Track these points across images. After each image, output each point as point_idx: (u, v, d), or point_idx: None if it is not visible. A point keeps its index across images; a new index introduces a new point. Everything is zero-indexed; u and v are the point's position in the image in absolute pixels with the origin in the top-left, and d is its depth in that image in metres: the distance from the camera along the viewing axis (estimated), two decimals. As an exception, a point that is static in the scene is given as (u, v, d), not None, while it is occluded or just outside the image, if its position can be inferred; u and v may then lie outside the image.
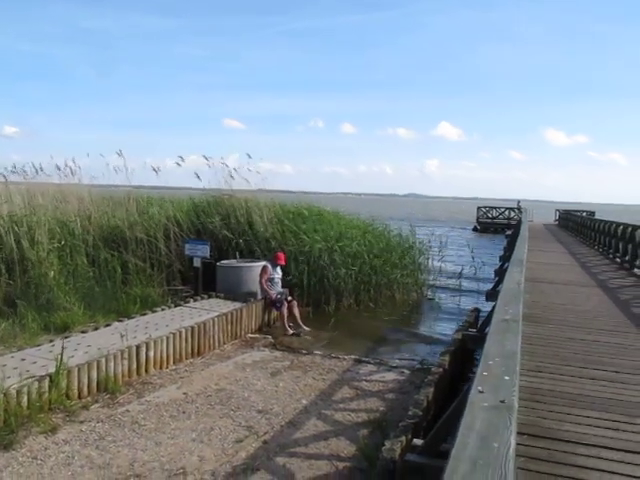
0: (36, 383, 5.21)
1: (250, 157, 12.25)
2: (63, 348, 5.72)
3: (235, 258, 10.73)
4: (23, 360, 5.90)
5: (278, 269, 9.62)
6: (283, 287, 9.65)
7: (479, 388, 1.96)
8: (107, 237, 10.77)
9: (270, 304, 9.25)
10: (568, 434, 3.20)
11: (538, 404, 3.65)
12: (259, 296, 9.39)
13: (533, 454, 2.90)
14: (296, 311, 9.22)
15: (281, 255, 9.73)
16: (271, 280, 9.38)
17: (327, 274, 10.60)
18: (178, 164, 12.20)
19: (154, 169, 12.19)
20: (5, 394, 4.89)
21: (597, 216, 26.51)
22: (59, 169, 11.71)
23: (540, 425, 3.28)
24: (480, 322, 8.14)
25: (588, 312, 6.77)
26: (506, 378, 2.10)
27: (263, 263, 9.61)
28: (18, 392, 5.01)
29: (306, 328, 9.07)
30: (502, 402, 1.83)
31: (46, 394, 5.26)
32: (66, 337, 6.86)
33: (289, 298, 9.36)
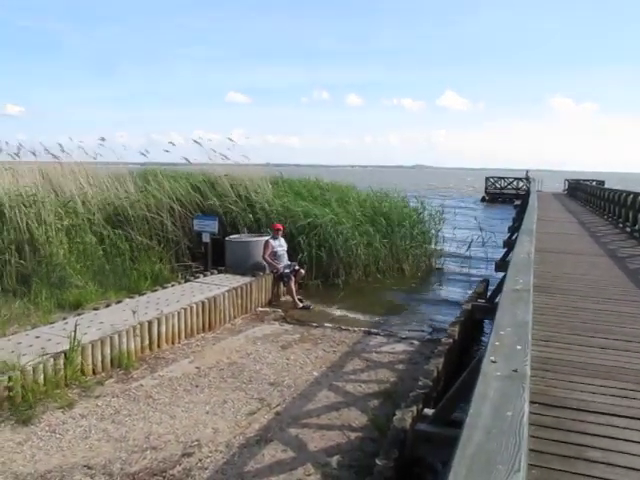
0: (51, 360, 5.29)
1: (260, 132, 12.24)
2: (76, 325, 5.79)
3: (243, 233, 10.75)
4: (38, 338, 5.99)
5: (282, 241, 9.65)
6: (291, 260, 9.69)
7: (491, 358, 1.98)
8: (109, 216, 10.79)
9: (278, 278, 9.29)
10: (577, 402, 3.22)
11: (548, 373, 3.67)
12: (268, 270, 9.43)
13: (543, 422, 2.93)
14: (298, 277, 9.35)
15: (278, 225, 9.77)
16: (275, 254, 9.41)
17: (336, 246, 10.61)
18: (172, 144, 12.30)
19: (142, 153, 12.20)
20: (22, 371, 4.97)
21: (607, 185, 26.27)
22: (65, 150, 11.72)
23: (549, 394, 3.31)
24: (489, 293, 8.16)
25: (597, 281, 6.75)
26: (518, 347, 2.11)
27: (268, 237, 9.64)
28: (34, 369, 5.09)
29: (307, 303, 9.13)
30: (515, 371, 1.84)
31: (61, 371, 5.35)
32: (79, 314, 6.94)
33: (297, 268, 9.41)
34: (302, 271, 9.44)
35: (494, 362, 1.95)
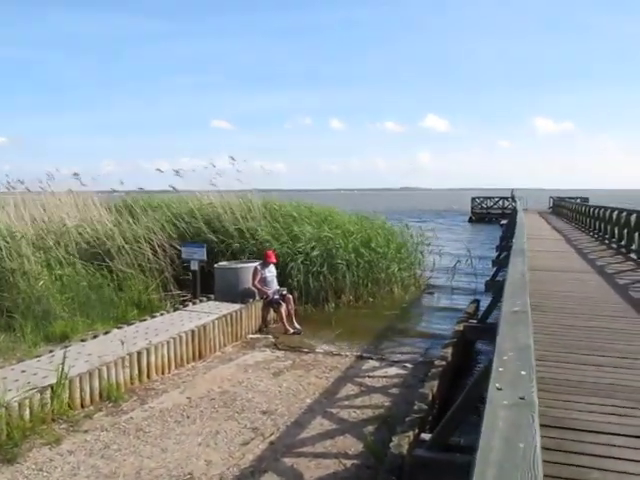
0: (38, 395, 5.16)
1: (233, 160, 12.26)
2: (64, 358, 5.67)
3: (227, 260, 10.68)
4: (23, 372, 5.84)
5: (271, 267, 9.57)
6: (280, 286, 9.62)
7: (497, 385, 1.93)
8: (88, 248, 10.69)
9: (268, 304, 9.21)
10: (576, 422, 3.19)
11: (544, 393, 3.62)
12: (257, 297, 9.35)
13: (543, 444, 2.86)
14: (291, 307, 9.19)
15: (270, 253, 9.67)
16: (264, 280, 9.34)
17: (324, 272, 10.56)
18: (160, 171, 12.29)
19: (120, 184, 12.18)
20: (7, 407, 4.84)
21: (591, 202, 26.55)
22: (48, 180, 11.68)
23: (548, 414, 3.26)
24: (480, 313, 8.15)
25: (588, 298, 6.76)
26: (523, 373, 2.07)
27: (258, 264, 9.57)
28: (20, 404, 4.96)
29: (297, 326, 9.05)
30: (522, 399, 1.80)
31: (48, 405, 5.22)
32: (66, 347, 6.80)
33: (284, 292, 9.34)
34: (290, 296, 9.35)
35: (500, 389, 1.90)
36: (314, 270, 10.54)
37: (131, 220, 11.59)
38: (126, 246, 10.71)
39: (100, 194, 13.37)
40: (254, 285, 9.27)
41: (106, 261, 10.28)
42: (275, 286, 9.46)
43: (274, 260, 9.61)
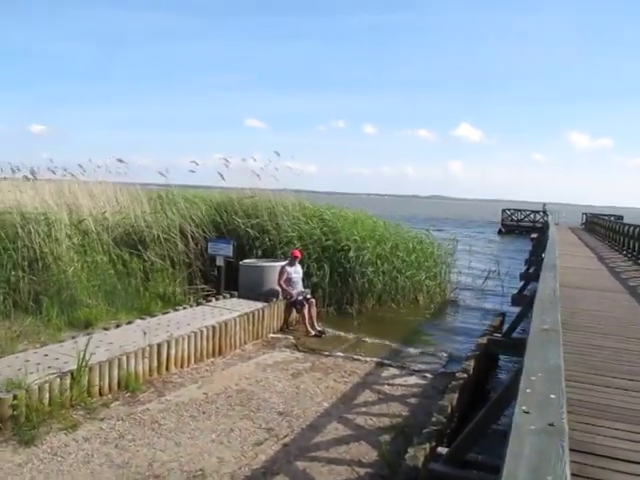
0: (58, 379, 5.22)
1: (278, 155, 12.16)
2: (86, 345, 5.71)
3: (258, 257, 10.67)
4: (46, 356, 5.92)
5: (298, 267, 9.55)
6: (306, 287, 9.59)
7: (524, 408, 1.83)
8: (124, 235, 10.79)
9: (291, 305, 9.18)
10: (601, 448, 3.06)
11: (568, 415, 3.48)
12: (281, 296, 9.33)
13: (565, 468, 2.77)
14: (313, 311, 9.14)
15: (296, 251, 9.68)
16: (289, 280, 9.31)
17: (353, 274, 10.49)
18: (195, 164, 12.29)
19: (161, 174, 12.22)
20: (27, 390, 4.90)
21: (625, 220, 25.95)
22: (84, 169, 11.83)
23: (571, 437, 3.12)
24: (505, 327, 7.98)
25: (619, 319, 6.55)
26: (552, 396, 1.96)
27: (284, 263, 9.54)
28: (40, 388, 5.02)
29: (318, 328, 9.00)
30: (551, 425, 1.70)
31: (67, 391, 5.27)
32: (88, 334, 6.86)
33: (308, 296, 9.29)
34: (313, 300, 9.30)
35: (527, 413, 1.80)
36: (342, 271, 10.46)
37: (171, 210, 11.66)
38: (161, 235, 10.79)
39: (135, 186, 13.52)
40: (279, 284, 9.25)
41: (139, 249, 10.38)
42: (300, 287, 9.43)
43: (299, 255, 9.60)
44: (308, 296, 9.31)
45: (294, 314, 9.35)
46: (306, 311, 8.95)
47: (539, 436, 1.63)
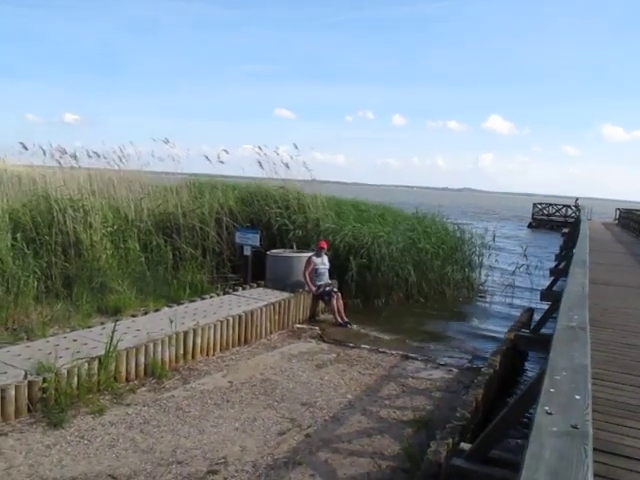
0: (86, 364, 5.32)
1: (296, 148, 12.18)
2: (114, 331, 5.80)
3: (291, 248, 10.69)
4: (75, 341, 6.03)
5: (324, 259, 9.54)
6: (332, 279, 9.58)
7: (546, 408, 1.77)
8: (159, 223, 10.92)
9: (318, 296, 9.19)
10: (629, 449, 2.99)
11: (595, 414, 3.40)
12: (306, 288, 9.34)
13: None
14: (340, 303, 9.11)
15: (322, 242, 9.67)
16: (316, 271, 9.31)
17: (381, 268, 10.45)
18: (225, 152, 12.33)
19: (207, 158, 12.26)
20: (56, 373, 5.00)
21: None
22: (119, 157, 11.96)
23: (599, 437, 3.06)
24: (534, 323, 7.86)
25: (651, 317, 6.39)
26: (577, 397, 1.90)
27: (312, 254, 9.54)
28: (69, 372, 5.12)
29: (345, 319, 8.99)
30: (575, 428, 1.64)
31: (95, 376, 5.37)
32: (117, 320, 6.97)
33: (335, 289, 9.26)
34: (339, 294, 9.24)
35: (549, 414, 1.74)
36: (371, 265, 10.43)
37: (209, 197, 11.76)
38: (196, 224, 10.89)
39: (165, 175, 13.65)
40: (304, 275, 9.25)
41: (173, 237, 10.50)
42: (326, 279, 9.42)
43: (325, 246, 9.59)
44: (335, 289, 9.29)
45: (321, 305, 9.36)
46: (334, 302, 8.94)
47: (561, 439, 1.57)
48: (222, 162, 12.17)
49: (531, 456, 1.45)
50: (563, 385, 2.03)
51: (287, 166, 12.04)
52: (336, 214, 11.62)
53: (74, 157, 11.33)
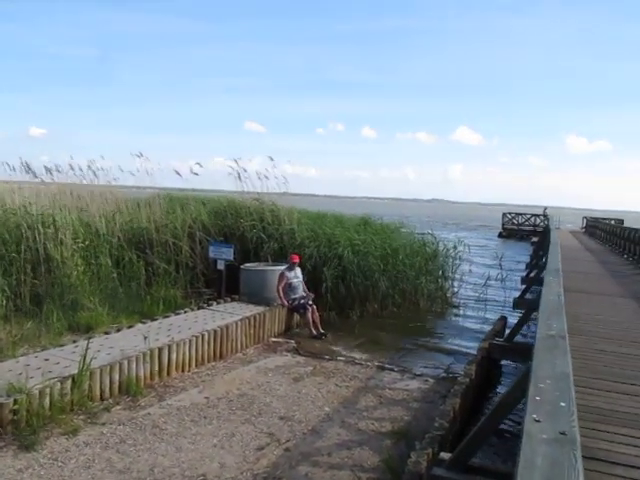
0: (59, 384, 5.20)
1: (272, 159, 12.19)
2: (86, 349, 5.69)
3: (266, 261, 10.65)
4: (46, 360, 5.90)
5: (298, 272, 9.51)
6: (309, 291, 9.58)
7: (534, 416, 1.81)
8: (132, 238, 10.79)
9: (293, 309, 9.17)
10: (604, 453, 3.04)
11: (572, 420, 3.48)
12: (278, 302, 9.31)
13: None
14: (315, 316, 9.10)
15: (294, 256, 9.61)
16: (290, 285, 9.28)
17: (355, 279, 10.48)
18: (199, 165, 12.19)
19: (177, 172, 12.17)
20: (28, 394, 4.88)
21: (626, 224, 25.93)
22: (82, 170, 11.79)
23: (575, 443, 3.12)
24: (507, 331, 7.96)
25: (620, 323, 6.53)
26: (562, 404, 1.94)
27: (284, 267, 9.53)
28: (41, 392, 5.00)
29: (321, 331, 8.99)
30: (563, 434, 1.68)
31: (68, 395, 5.26)
32: (89, 338, 6.84)
33: (310, 302, 9.24)
34: (314, 307, 9.22)
35: (538, 421, 1.78)
36: (345, 276, 10.45)
37: (181, 213, 11.66)
38: (169, 239, 10.80)
39: (136, 189, 13.52)
40: (277, 290, 9.22)
41: (146, 252, 10.39)
42: (301, 292, 9.40)
43: (297, 260, 9.53)
44: (310, 302, 9.26)
45: (296, 318, 9.34)
46: (309, 315, 8.93)
47: (551, 446, 1.61)
48: (196, 174, 12.06)
49: (524, 462, 1.49)
50: (548, 393, 2.07)
51: (266, 177, 12.01)
52: (313, 223, 11.62)
53: (46, 172, 11.16)
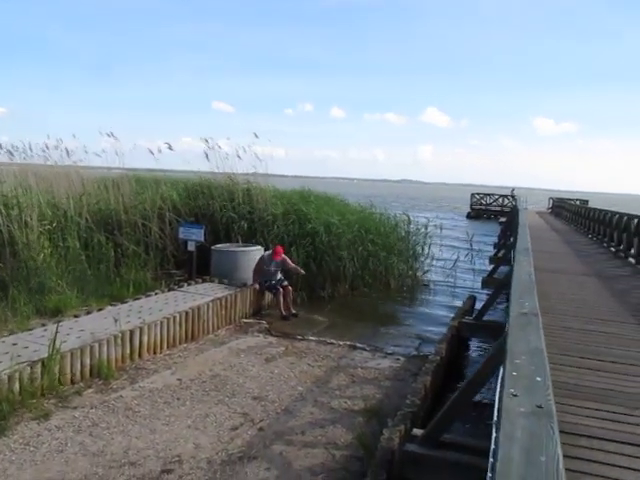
0: (28, 368, 5.13)
1: (257, 137, 12.00)
2: (56, 332, 5.62)
3: (237, 242, 10.59)
4: (15, 345, 5.80)
5: (278, 263, 9.24)
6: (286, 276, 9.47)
7: (511, 391, 1.87)
8: (100, 220, 10.61)
9: (266, 289, 9.16)
10: (569, 426, 3.14)
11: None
12: (251, 282, 9.29)
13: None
14: (288, 297, 9.09)
15: (278, 249, 9.35)
16: (268, 271, 9.15)
17: (326, 258, 10.52)
18: (169, 148, 11.97)
19: (151, 151, 11.95)
20: (-4, 379, 4.80)
21: (590, 205, 26.52)
22: (48, 149, 11.49)
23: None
24: (476, 310, 8.12)
25: (584, 301, 6.71)
26: (538, 379, 2.01)
27: (259, 247, 9.47)
28: (10, 377, 4.93)
29: (293, 311, 9.02)
30: (539, 407, 1.74)
31: (38, 379, 5.19)
32: (58, 321, 6.74)
33: (285, 283, 9.24)
34: (290, 288, 9.17)
35: (515, 396, 1.84)
36: (317, 256, 10.47)
37: (151, 193, 11.50)
38: (138, 221, 10.65)
39: (103, 170, 13.25)
40: (254, 270, 9.18)
41: (114, 234, 10.23)
42: (278, 277, 9.26)
43: (278, 258, 9.21)
44: (285, 283, 9.21)
45: (267, 299, 9.34)
46: (280, 296, 8.93)
47: (529, 418, 1.67)
48: (171, 149, 11.84)
49: (504, 436, 1.54)
50: (524, 368, 2.13)
51: (239, 157, 11.88)
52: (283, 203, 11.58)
53: (6, 152, 10.84)
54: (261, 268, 9.19)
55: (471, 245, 15.09)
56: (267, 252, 9.45)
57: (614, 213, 13.64)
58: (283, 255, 9.35)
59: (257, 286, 9.12)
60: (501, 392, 1.92)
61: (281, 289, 9.00)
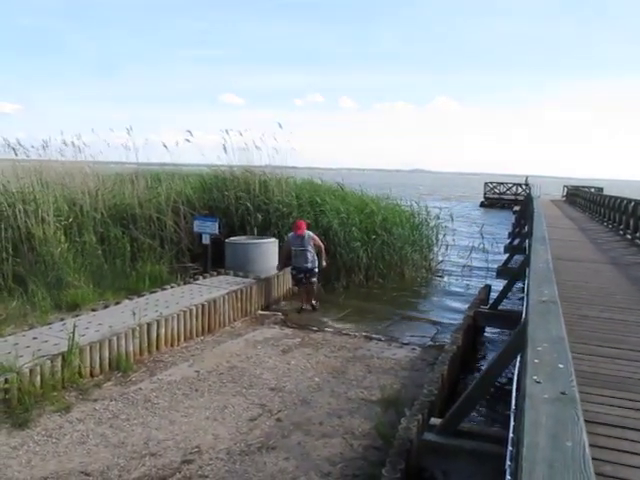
0: (49, 362, 5.21)
1: (281, 127, 11.81)
2: (75, 326, 5.69)
3: (252, 234, 10.62)
4: (35, 339, 5.89)
5: (303, 240, 8.77)
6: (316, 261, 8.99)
7: (535, 378, 1.87)
8: (116, 214, 10.69)
9: (293, 278, 9.11)
10: (588, 414, 3.12)
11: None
12: (273, 271, 9.32)
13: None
14: (311, 293, 9.00)
15: (300, 223, 8.91)
16: (294, 252, 8.79)
17: (341, 250, 10.53)
18: (187, 140, 11.93)
19: (164, 145, 11.97)
20: (18, 373, 4.88)
21: (605, 192, 26.24)
22: (65, 145, 11.54)
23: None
24: (491, 299, 8.09)
25: (601, 289, 6.66)
26: (560, 366, 2.01)
27: (273, 240, 9.47)
28: (31, 371, 5.01)
29: (313, 302, 9.01)
30: (563, 394, 1.74)
31: (59, 373, 5.27)
32: (77, 315, 6.84)
33: (313, 280, 8.91)
34: (314, 282, 8.95)
35: (539, 382, 1.84)
36: (332, 247, 10.48)
37: (165, 187, 11.55)
38: (153, 215, 10.72)
39: (115, 165, 13.32)
40: (279, 255, 9.19)
41: (130, 228, 10.32)
42: (306, 263, 8.80)
43: (300, 232, 8.74)
44: (313, 279, 8.92)
45: (283, 290, 9.37)
46: (303, 289, 8.94)
47: (553, 405, 1.68)
48: (189, 141, 11.83)
49: (529, 422, 1.55)
50: (546, 355, 2.14)
51: (257, 148, 11.84)
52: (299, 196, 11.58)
53: (21, 149, 10.91)
54: (287, 250, 8.95)
55: (481, 235, 14.99)
56: (270, 240, 9.41)
57: (629, 200, 13.49)
58: (307, 231, 8.91)
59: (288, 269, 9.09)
60: (522, 380, 1.93)
61: (306, 282, 8.87)
